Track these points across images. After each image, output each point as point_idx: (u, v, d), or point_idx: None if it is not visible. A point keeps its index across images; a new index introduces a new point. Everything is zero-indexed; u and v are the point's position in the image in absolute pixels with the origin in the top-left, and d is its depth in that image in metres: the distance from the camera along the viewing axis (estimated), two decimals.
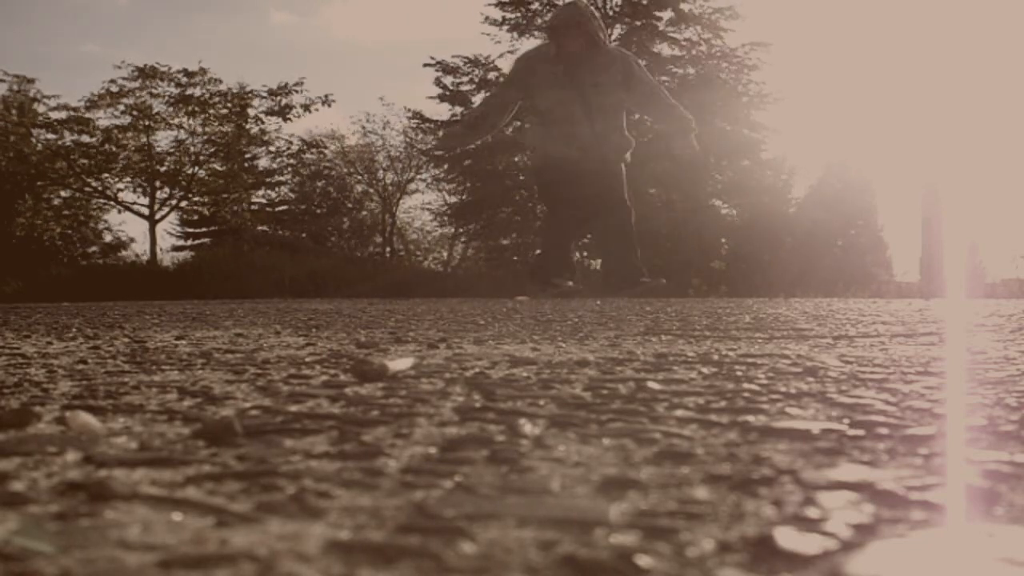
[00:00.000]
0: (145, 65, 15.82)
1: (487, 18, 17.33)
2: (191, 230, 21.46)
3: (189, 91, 16.05)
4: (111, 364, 1.33)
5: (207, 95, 16.08)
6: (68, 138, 15.72)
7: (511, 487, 0.53)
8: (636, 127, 16.80)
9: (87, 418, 0.75)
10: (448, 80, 17.40)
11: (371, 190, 21.19)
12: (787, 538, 0.43)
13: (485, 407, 0.84)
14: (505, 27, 16.96)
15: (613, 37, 17.09)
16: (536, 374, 1.14)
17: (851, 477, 0.56)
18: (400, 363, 1.16)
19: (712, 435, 0.70)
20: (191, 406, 0.88)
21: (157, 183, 16.33)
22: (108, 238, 18.78)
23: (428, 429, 0.73)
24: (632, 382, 1.03)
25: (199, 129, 16.22)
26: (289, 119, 16.28)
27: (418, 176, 20.28)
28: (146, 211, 16.47)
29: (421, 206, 23.71)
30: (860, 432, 0.71)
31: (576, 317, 2.73)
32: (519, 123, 5.79)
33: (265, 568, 0.39)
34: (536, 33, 16.74)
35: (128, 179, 16.21)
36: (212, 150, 16.39)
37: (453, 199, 19.23)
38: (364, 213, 21.49)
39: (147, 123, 15.93)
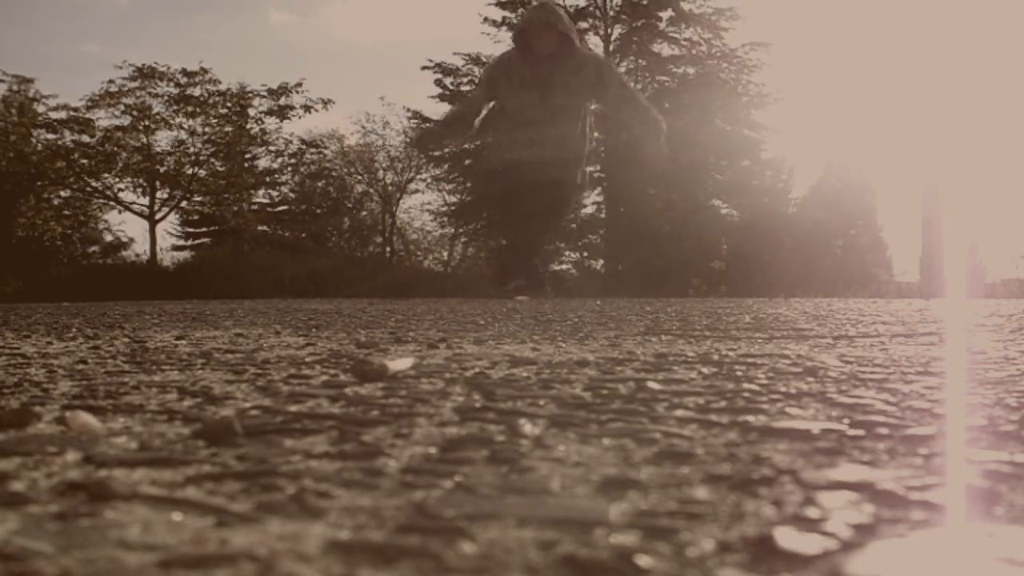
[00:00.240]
0: (144, 65, 15.83)
1: (486, 18, 17.34)
2: (191, 230, 21.46)
3: (189, 91, 16.06)
4: (111, 364, 1.33)
5: (207, 95, 16.08)
6: (68, 138, 15.73)
7: (511, 487, 0.53)
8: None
9: (87, 418, 0.75)
10: (448, 80, 17.42)
11: (371, 190, 21.19)
12: (787, 538, 0.43)
13: (485, 407, 0.84)
14: (505, 27, 16.95)
15: (613, 37, 17.10)
16: (536, 374, 1.14)
17: (851, 477, 0.56)
18: (400, 363, 1.16)
19: (712, 435, 0.70)
20: (191, 406, 0.88)
21: (157, 183, 16.33)
22: (108, 238, 18.80)
23: (428, 429, 0.73)
24: (632, 382, 1.03)
25: (199, 129, 16.23)
26: (289, 119, 16.28)
27: (418, 176, 20.29)
28: (146, 211, 16.47)
29: (421, 206, 23.75)
30: (860, 432, 0.71)
31: (576, 317, 2.73)
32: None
33: (265, 568, 0.39)
34: None
35: (128, 179, 16.21)
36: (212, 150, 16.39)
37: (453, 199, 19.24)
38: (364, 213, 21.49)
39: (147, 123, 15.93)
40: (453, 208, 18.89)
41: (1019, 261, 17.47)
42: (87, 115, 15.79)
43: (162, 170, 16.16)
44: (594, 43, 17.17)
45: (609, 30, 17.16)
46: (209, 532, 0.44)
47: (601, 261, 16.88)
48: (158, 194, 16.51)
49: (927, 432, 0.71)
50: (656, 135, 5.45)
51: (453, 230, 19.95)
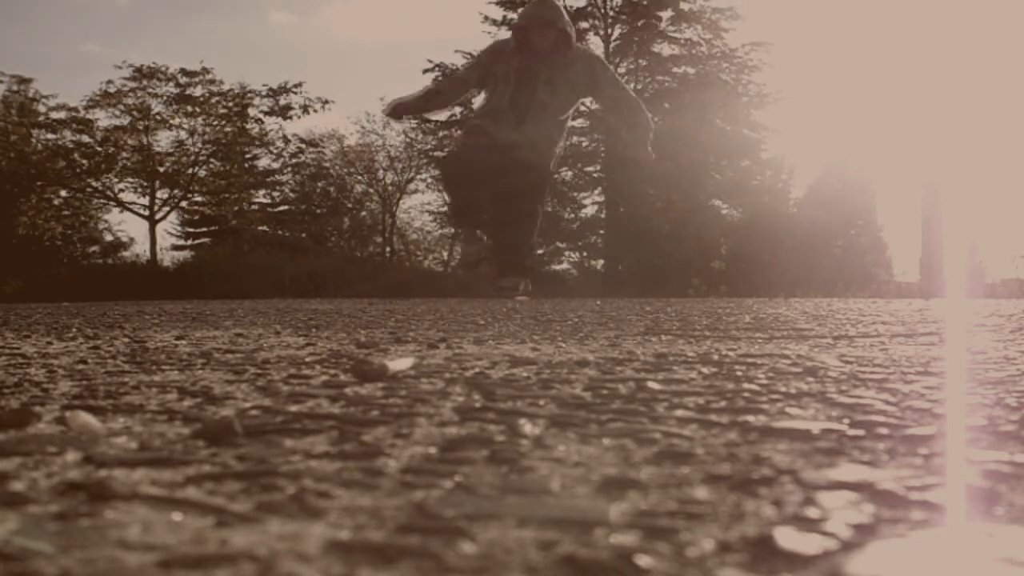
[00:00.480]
0: (143, 65, 15.84)
1: (487, 18, 17.35)
2: (191, 230, 21.45)
3: (189, 91, 16.06)
4: (111, 364, 1.33)
5: (208, 95, 16.08)
6: (68, 138, 15.73)
7: (511, 487, 0.53)
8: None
9: (87, 418, 0.75)
10: None
11: (371, 190, 21.19)
12: (787, 538, 0.43)
13: (485, 407, 0.84)
14: (505, 27, 16.96)
15: (613, 37, 17.10)
16: (536, 374, 1.14)
17: (851, 477, 0.56)
18: (400, 363, 1.16)
19: (712, 435, 0.70)
20: (191, 406, 0.88)
21: (157, 183, 16.34)
22: (108, 238, 18.79)
23: (428, 429, 0.73)
24: (632, 382, 1.03)
25: (199, 129, 16.23)
26: (289, 119, 16.28)
27: (418, 176, 20.29)
28: (146, 211, 16.47)
29: (421, 206, 23.72)
30: (860, 432, 0.71)
31: (576, 317, 2.73)
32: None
33: (265, 568, 0.39)
34: None
35: (128, 179, 16.22)
36: (212, 150, 16.39)
37: None
38: (364, 213, 21.49)
39: (146, 123, 15.93)
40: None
41: (1019, 261, 17.46)
42: (87, 115, 15.80)
43: (162, 170, 16.16)
44: (594, 43, 17.18)
45: (609, 30, 17.16)
46: (209, 532, 0.44)
47: (601, 261, 16.89)
48: (158, 194, 16.53)
49: (927, 432, 0.71)
50: (643, 139, 5.44)
51: (453, 230, 19.95)
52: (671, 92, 17.08)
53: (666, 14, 17.00)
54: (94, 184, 16.17)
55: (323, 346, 1.65)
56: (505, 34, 5.46)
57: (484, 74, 5.44)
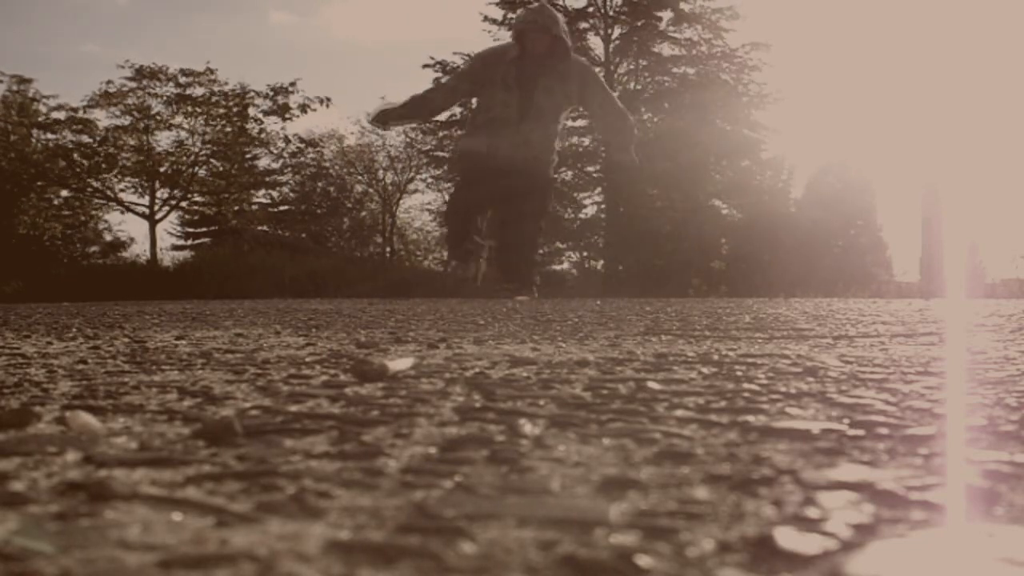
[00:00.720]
0: (142, 66, 15.84)
1: (487, 17, 17.34)
2: (191, 230, 21.45)
3: (189, 91, 16.06)
4: (111, 364, 1.33)
5: (208, 95, 16.08)
6: (68, 138, 15.73)
7: (511, 487, 0.53)
8: (637, 126, 16.79)
9: (87, 418, 0.75)
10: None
11: (371, 190, 21.19)
12: (787, 538, 0.43)
13: (485, 407, 0.84)
14: (505, 26, 16.96)
15: (613, 37, 17.10)
16: (536, 374, 1.14)
17: (851, 477, 0.56)
18: (400, 363, 1.16)
19: (712, 435, 0.70)
20: (191, 406, 0.88)
21: (157, 183, 16.34)
22: (108, 238, 18.79)
23: (428, 429, 0.73)
24: (632, 382, 1.03)
25: (199, 129, 16.23)
26: (288, 119, 16.27)
27: (418, 176, 20.29)
28: (146, 211, 16.47)
29: (421, 206, 23.73)
30: (860, 432, 0.71)
31: (576, 317, 2.73)
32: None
33: (265, 568, 0.39)
34: None
35: (128, 179, 16.21)
36: (212, 150, 16.39)
37: None
38: (364, 213, 21.49)
39: (147, 123, 15.94)
40: None
41: (1019, 261, 17.46)
42: (87, 115, 15.80)
43: (162, 170, 16.16)
44: (594, 43, 17.19)
45: (609, 30, 17.16)
46: (209, 532, 0.44)
47: (601, 261, 16.89)
48: (158, 194, 16.52)
49: (927, 432, 0.71)
50: (628, 144, 5.51)
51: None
52: (671, 92, 17.08)
53: (666, 14, 17.00)
54: (94, 184, 16.17)
55: (323, 346, 1.65)
56: (505, 35, 5.47)
57: (475, 82, 5.47)
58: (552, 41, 5.26)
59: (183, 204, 17.52)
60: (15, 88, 16.59)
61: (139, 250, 17.59)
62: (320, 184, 21.24)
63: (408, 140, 19.80)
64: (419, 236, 22.39)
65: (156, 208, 16.52)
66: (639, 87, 17.39)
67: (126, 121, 16.01)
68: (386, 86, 42.18)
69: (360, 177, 21.28)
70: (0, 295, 10.64)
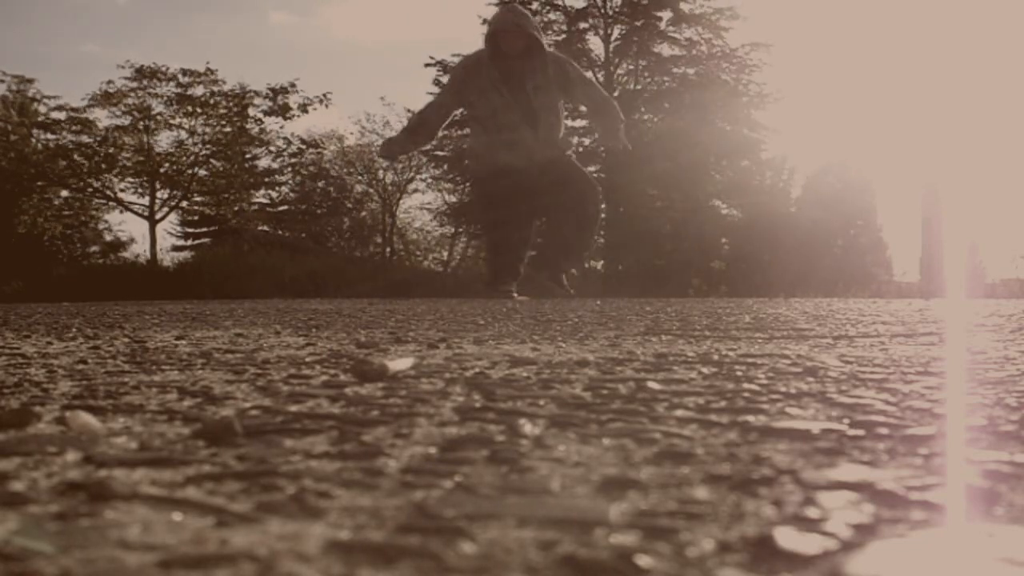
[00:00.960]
0: (143, 66, 15.83)
1: (485, 20, 17.32)
2: (191, 230, 21.45)
3: (190, 91, 16.06)
4: (111, 364, 1.33)
5: (208, 95, 16.08)
6: (68, 138, 15.73)
7: (511, 487, 0.53)
8: (637, 126, 16.77)
9: (87, 418, 0.75)
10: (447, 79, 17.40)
11: (371, 190, 21.18)
12: (787, 538, 0.43)
13: (485, 407, 0.84)
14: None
15: (613, 37, 17.09)
16: (536, 374, 1.14)
17: (851, 477, 0.56)
18: (400, 363, 1.16)
19: (712, 435, 0.70)
20: (191, 406, 0.88)
21: (157, 183, 16.33)
22: (108, 238, 18.79)
23: (428, 429, 0.73)
24: (632, 382, 1.03)
25: (199, 129, 16.23)
26: (288, 119, 16.27)
27: (418, 176, 20.28)
28: (146, 211, 16.47)
29: (421, 206, 23.70)
30: (860, 432, 0.71)
31: (576, 317, 2.73)
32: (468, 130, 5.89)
33: (265, 568, 0.39)
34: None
35: (128, 179, 16.21)
36: (212, 150, 16.39)
37: (453, 199, 19.23)
38: (364, 213, 21.49)
39: (147, 123, 15.94)
40: (453, 208, 18.89)
41: (1019, 261, 17.46)
42: (87, 115, 15.80)
43: (162, 170, 16.16)
44: (594, 43, 17.18)
45: (609, 30, 17.15)
46: (209, 532, 0.44)
47: (601, 261, 16.88)
48: (158, 194, 16.52)
49: (927, 432, 0.71)
50: (616, 130, 5.55)
51: (453, 230, 19.96)
52: (671, 92, 17.06)
53: (666, 14, 16.98)
54: (94, 184, 16.17)
55: (323, 346, 1.65)
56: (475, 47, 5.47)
57: (462, 92, 5.49)
58: (527, 40, 5.29)
59: (183, 204, 17.52)
60: (16, 88, 16.60)
61: (139, 250, 17.61)
62: (320, 184, 21.24)
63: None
64: (419, 236, 22.39)
65: (156, 208, 16.52)
66: (639, 87, 17.37)
67: (126, 121, 16.02)
68: (386, 86, 42.21)
69: (360, 177, 21.28)
70: (0, 295, 10.63)
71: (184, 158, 16.31)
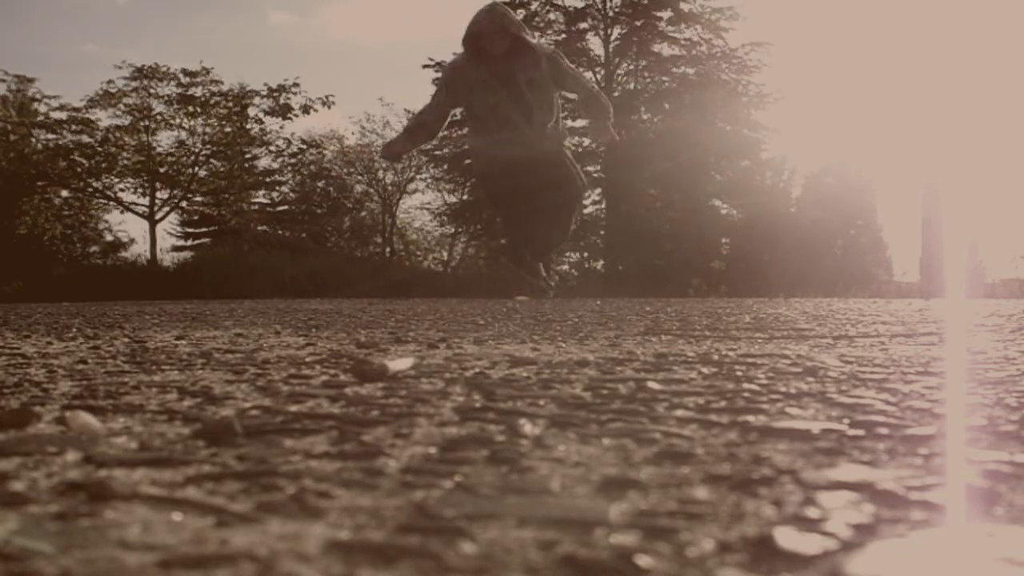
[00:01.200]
0: (144, 66, 15.83)
1: None
2: (191, 230, 21.45)
3: (190, 91, 16.06)
4: (111, 364, 1.33)
5: (208, 95, 16.08)
6: (68, 138, 15.72)
7: (511, 487, 0.53)
8: (637, 126, 16.77)
9: (87, 418, 0.75)
10: None
11: (371, 190, 21.18)
12: (787, 538, 0.43)
13: (485, 407, 0.84)
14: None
15: (613, 37, 17.09)
16: (536, 374, 1.14)
17: (851, 477, 0.56)
18: (400, 363, 1.16)
19: (712, 435, 0.70)
20: (191, 406, 0.88)
21: (157, 183, 16.33)
22: (108, 238, 18.79)
23: (428, 429, 0.73)
24: (632, 382, 1.03)
25: (199, 129, 16.23)
26: (289, 119, 16.27)
27: (418, 176, 20.28)
28: (146, 211, 16.47)
29: (421, 206, 23.69)
30: (860, 432, 0.71)
31: (576, 317, 2.73)
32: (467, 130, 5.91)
33: (265, 568, 0.39)
34: (535, 32, 16.75)
35: (129, 179, 16.21)
36: (212, 150, 16.39)
37: (453, 199, 19.24)
38: (364, 213, 21.48)
39: (147, 123, 15.94)
40: (453, 208, 18.89)
41: (1019, 261, 17.45)
42: (87, 115, 15.80)
43: (162, 170, 16.16)
44: (594, 43, 17.18)
45: (609, 30, 17.15)
46: (209, 532, 0.44)
47: (601, 261, 16.88)
48: (158, 194, 16.52)
49: (927, 432, 0.71)
50: (606, 120, 5.60)
51: (453, 230, 19.95)
52: (671, 92, 17.06)
53: (666, 14, 16.97)
54: (95, 184, 16.17)
55: (323, 346, 1.65)
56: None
57: (455, 92, 5.50)
58: (512, 41, 5.30)
59: (183, 204, 17.52)
60: (15, 88, 16.59)
61: (139, 250, 17.61)
62: (320, 184, 21.23)
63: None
64: (419, 236, 22.38)
65: (156, 208, 16.52)
66: (639, 87, 17.37)
67: (127, 121, 16.02)
68: (385, 86, 42.22)
69: (360, 177, 21.27)
70: (0, 295, 10.63)
71: (184, 158, 16.30)
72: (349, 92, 41.88)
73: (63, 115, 15.86)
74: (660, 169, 15.33)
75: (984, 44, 27.23)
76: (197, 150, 16.34)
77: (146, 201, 16.50)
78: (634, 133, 16.61)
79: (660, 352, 1.47)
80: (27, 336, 2.01)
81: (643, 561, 0.40)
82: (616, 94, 16.64)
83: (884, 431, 0.71)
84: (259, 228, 19.37)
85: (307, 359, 1.39)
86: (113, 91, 15.79)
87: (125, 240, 18.83)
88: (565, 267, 17.37)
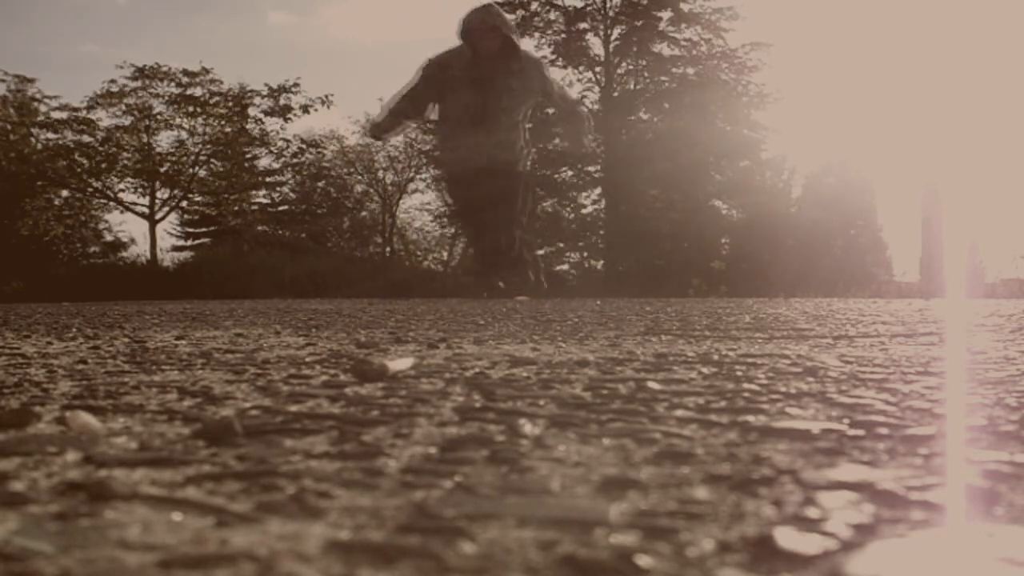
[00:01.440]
0: (144, 66, 15.83)
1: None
2: (191, 230, 21.45)
3: (190, 91, 16.06)
4: (111, 364, 1.33)
5: (208, 95, 16.08)
6: (69, 138, 15.72)
7: (511, 487, 0.53)
8: (637, 126, 16.76)
9: (87, 418, 0.75)
10: None
11: (371, 190, 21.19)
12: (787, 538, 0.43)
13: (485, 407, 0.84)
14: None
15: (613, 37, 17.09)
16: (536, 374, 1.14)
17: (851, 477, 0.56)
18: (400, 363, 1.16)
19: (712, 435, 0.70)
20: (191, 406, 0.88)
21: (157, 183, 16.33)
22: (108, 238, 18.78)
23: (428, 429, 0.73)
24: (632, 382, 1.03)
25: (199, 129, 16.23)
26: (289, 119, 16.26)
27: (418, 176, 20.29)
28: (146, 211, 16.47)
29: (421, 206, 23.68)
30: (860, 432, 0.71)
31: (576, 317, 2.73)
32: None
33: (265, 568, 0.39)
34: (535, 32, 16.74)
35: (129, 179, 16.21)
36: (212, 150, 16.39)
37: (452, 199, 19.22)
38: (364, 213, 21.49)
39: (147, 123, 15.94)
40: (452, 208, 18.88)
41: (1019, 261, 17.45)
42: (88, 115, 15.80)
43: (162, 170, 16.16)
44: (594, 43, 17.18)
45: (609, 30, 17.15)
46: (209, 532, 0.44)
47: (601, 261, 16.88)
48: (158, 194, 16.52)
49: (927, 432, 0.71)
50: (580, 133, 5.68)
51: (453, 230, 19.95)
52: (671, 92, 17.05)
53: (666, 14, 16.97)
54: (95, 184, 16.17)
55: (323, 346, 1.65)
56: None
57: (433, 87, 5.51)
58: (503, 41, 5.31)
59: (183, 204, 17.52)
60: (16, 88, 16.59)
61: (139, 250, 17.61)
62: (320, 184, 21.24)
63: (407, 140, 19.79)
64: (419, 236, 22.39)
65: (156, 208, 16.52)
66: (639, 87, 17.37)
67: (127, 121, 16.02)
68: (385, 86, 42.21)
69: (360, 177, 21.28)
70: (0, 295, 10.63)
71: (184, 158, 16.31)
72: (349, 92, 41.92)
73: (64, 115, 15.87)
74: (660, 169, 15.33)
75: (984, 44, 27.24)
76: (197, 150, 16.34)
77: (146, 201, 16.51)
78: (634, 133, 16.62)
79: (660, 352, 1.47)
80: (27, 336, 2.01)
81: (643, 561, 0.40)
82: (616, 94, 16.65)
83: (884, 431, 0.71)
84: (259, 228, 19.37)
85: (307, 359, 1.39)
86: (114, 91, 15.80)
87: (125, 240, 18.85)
88: (565, 267, 17.38)
